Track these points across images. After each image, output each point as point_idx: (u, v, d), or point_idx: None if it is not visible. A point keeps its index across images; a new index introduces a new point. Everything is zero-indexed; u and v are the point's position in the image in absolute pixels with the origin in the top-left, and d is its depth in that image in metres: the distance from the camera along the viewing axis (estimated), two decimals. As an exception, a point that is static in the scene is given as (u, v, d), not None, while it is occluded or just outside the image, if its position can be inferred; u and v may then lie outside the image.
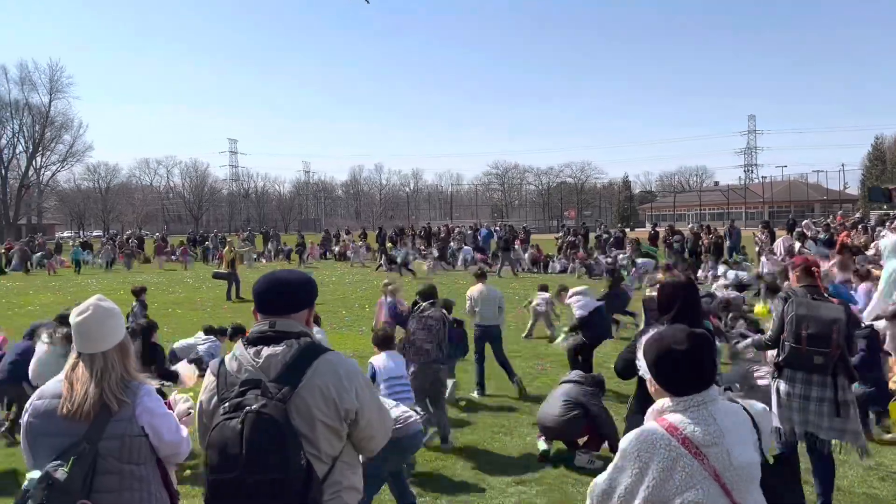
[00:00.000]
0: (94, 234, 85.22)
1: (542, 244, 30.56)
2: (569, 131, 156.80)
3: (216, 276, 20.96)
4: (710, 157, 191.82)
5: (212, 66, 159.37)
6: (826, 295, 5.11)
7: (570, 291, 9.68)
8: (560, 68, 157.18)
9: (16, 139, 75.60)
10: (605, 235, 30.99)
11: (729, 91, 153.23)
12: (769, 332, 5.18)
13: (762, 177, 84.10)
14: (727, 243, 22.93)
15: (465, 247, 28.88)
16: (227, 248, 23.66)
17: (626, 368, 4.03)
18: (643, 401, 3.30)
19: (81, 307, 2.71)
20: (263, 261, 32.67)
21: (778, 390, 4.95)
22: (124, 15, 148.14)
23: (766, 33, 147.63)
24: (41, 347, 6.40)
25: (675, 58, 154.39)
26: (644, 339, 2.52)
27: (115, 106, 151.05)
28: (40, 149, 76.20)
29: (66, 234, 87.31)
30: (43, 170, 78.90)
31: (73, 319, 2.69)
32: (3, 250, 33.63)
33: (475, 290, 8.97)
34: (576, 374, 6.70)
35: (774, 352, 5.10)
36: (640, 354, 2.49)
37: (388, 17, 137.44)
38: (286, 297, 2.47)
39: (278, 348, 2.31)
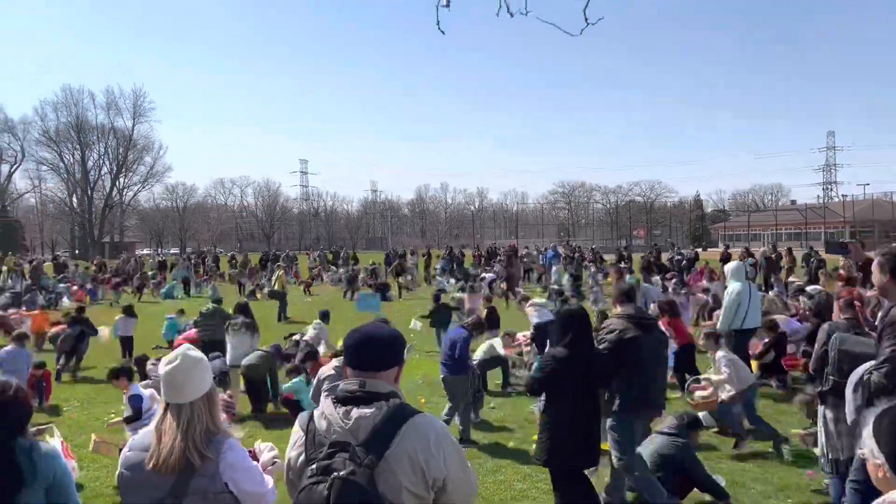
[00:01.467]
0: (172, 251, 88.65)
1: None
2: (637, 149, 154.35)
3: (271, 294, 22.11)
4: (785, 174, 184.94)
5: (284, 89, 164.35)
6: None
7: (529, 302, 10.96)
8: (628, 85, 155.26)
9: (101, 161, 79.75)
10: (677, 257, 30.01)
11: (805, 106, 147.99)
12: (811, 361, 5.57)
13: (842, 195, 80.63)
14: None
15: (489, 274, 27.68)
16: (280, 271, 24.57)
17: (535, 391, 5.32)
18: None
19: (170, 357, 2.74)
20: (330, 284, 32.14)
21: (825, 417, 5.15)
22: (203, 41, 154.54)
23: (844, 46, 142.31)
24: (231, 338, 10.04)
25: (748, 72, 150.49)
26: (871, 416, 2.18)
27: (192, 127, 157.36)
28: (123, 170, 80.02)
29: (145, 251, 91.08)
30: (125, 190, 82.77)
31: (161, 369, 2.73)
32: (93, 267, 34.91)
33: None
34: (668, 424, 6.11)
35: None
36: (865, 438, 2.13)
37: (452, 37, 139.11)
38: (377, 355, 2.47)
39: (368, 410, 2.31)
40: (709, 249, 50.88)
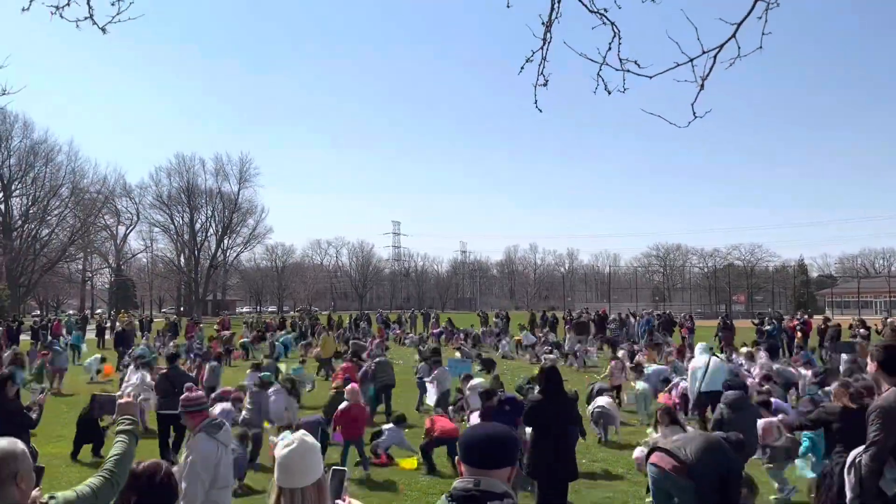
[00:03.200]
0: (269, 309, 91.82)
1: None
2: (737, 210, 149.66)
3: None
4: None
5: (380, 154, 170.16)
6: None
7: (470, 383, 12.14)
8: (724, 147, 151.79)
9: (208, 223, 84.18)
10: (767, 326, 27.51)
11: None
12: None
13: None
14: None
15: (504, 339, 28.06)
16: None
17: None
18: None
19: (288, 440, 2.83)
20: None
21: None
22: (302, 115, 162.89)
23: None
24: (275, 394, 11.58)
25: (851, 131, 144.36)
26: None
27: (293, 191, 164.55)
28: (228, 232, 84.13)
29: (245, 309, 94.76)
30: (229, 251, 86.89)
31: (277, 452, 2.83)
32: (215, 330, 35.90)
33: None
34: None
35: None
36: None
37: (545, 102, 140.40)
38: (493, 454, 2.51)
39: None
40: (814, 317, 48.00)
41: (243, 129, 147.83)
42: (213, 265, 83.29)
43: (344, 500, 2.98)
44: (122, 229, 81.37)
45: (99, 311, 73.64)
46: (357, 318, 43.20)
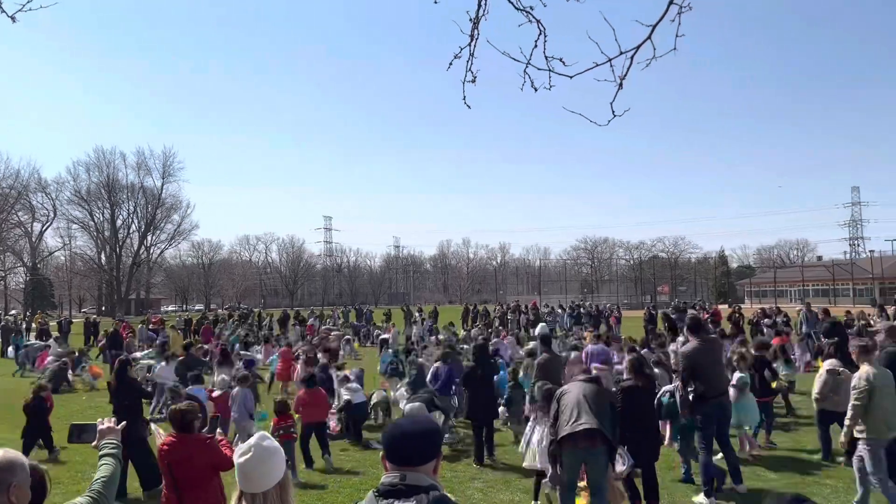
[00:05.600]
0: (196, 308, 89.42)
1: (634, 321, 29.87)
2: (660, 205, 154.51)
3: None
4: (811, 230, 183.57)
5: (308, 148, 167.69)
6: None
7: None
8: (650, 141, 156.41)
9: (130, 220, 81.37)
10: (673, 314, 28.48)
11: (830, 161, 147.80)
12: None
13: (870, 251, 79.63)
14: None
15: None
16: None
17: None
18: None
19: (243, 448, 2.82)
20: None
21: None
22: (229, 105, 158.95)
23: (871, 101, 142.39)
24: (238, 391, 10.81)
25: (769, 127, 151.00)
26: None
27: (219, 186, 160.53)
28: (151, 228, 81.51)
29: (170, 308, 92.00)
30: (153, 248, 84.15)
31: (236, 459, 2.80)
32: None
33: None
34: None
35: None
36: None
37: (474, 96, 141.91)
38: (415, 451, 2.53)
39: (409, 503, 2.38)
40: (736, 306, 50.08)
41: (167, 123, 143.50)
42: (136, 263, 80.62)
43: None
44: (37, 226, 77.75)
45: (13, 311, 70.04)
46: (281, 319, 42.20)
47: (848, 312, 22.26)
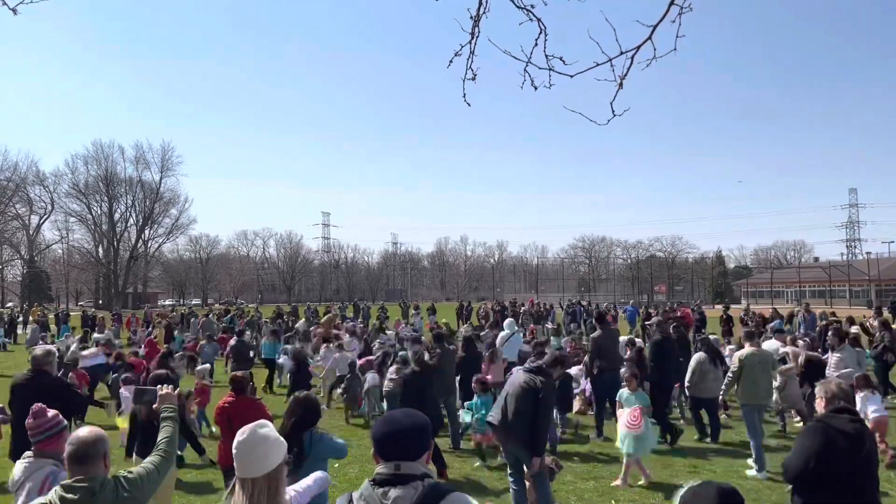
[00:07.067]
0: (194, 302, 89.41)
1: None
2: (658, 204, 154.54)
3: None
4: (808, 231, 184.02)
5: (307, 144, 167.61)
6: None
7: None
8: (649, 140, 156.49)
9: (128, 213, 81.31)
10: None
11: (828, 162, 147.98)
12: None
13: (867, 253, 79.78)
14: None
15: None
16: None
17: None
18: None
19: (242, 429, 2.84)
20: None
21: None
22: (229, 100, 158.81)
23: (869, 102, 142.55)
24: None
25: (768, 128, 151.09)
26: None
27: (217, 180, 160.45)
28: (149, 222, 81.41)
29: (167, 302, 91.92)
30: (150, 242, 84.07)
31: (234, 440, 2.84)
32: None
33: None
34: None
35: None
36: None
37: (474, 94, 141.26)
38: (407, 445, 2.57)
39: (404, 490, 2.44)
40: (732, 307, 50.06)
41: (167, 117, 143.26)
42: (134, 256, 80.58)
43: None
44: (35, 219, 77.66)
45: (10, 304, 69.94)
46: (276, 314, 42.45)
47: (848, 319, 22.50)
